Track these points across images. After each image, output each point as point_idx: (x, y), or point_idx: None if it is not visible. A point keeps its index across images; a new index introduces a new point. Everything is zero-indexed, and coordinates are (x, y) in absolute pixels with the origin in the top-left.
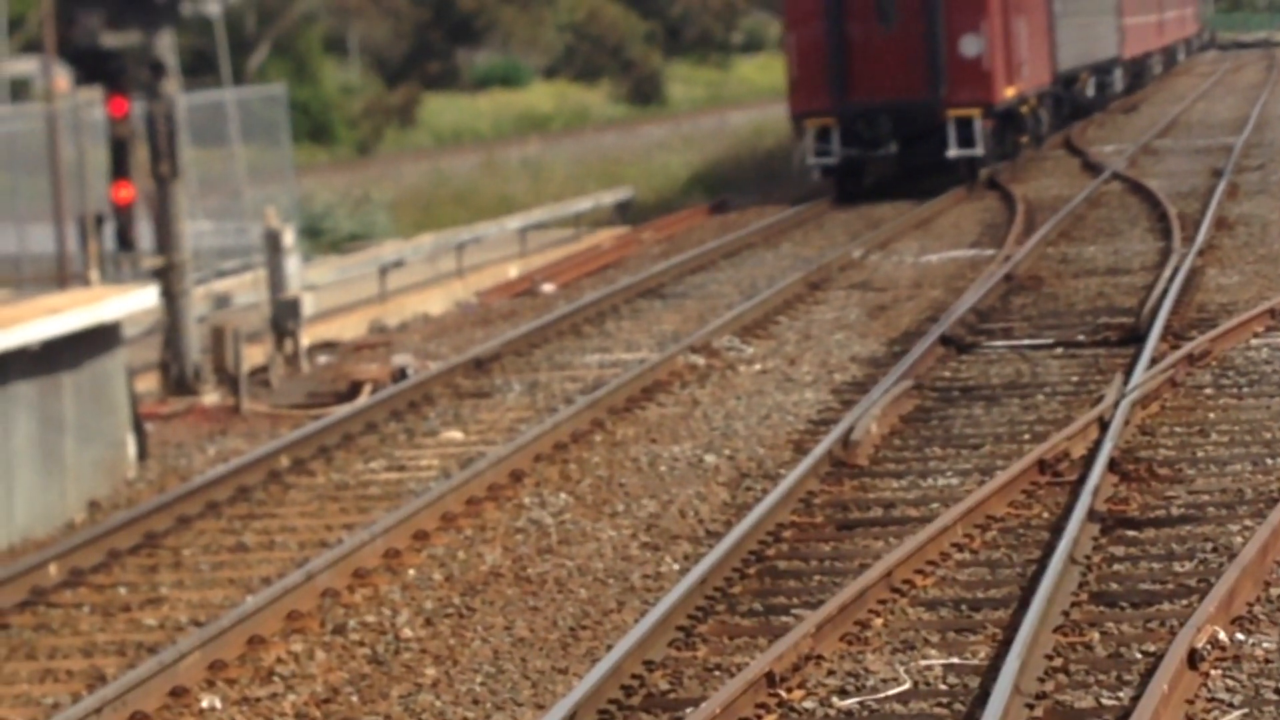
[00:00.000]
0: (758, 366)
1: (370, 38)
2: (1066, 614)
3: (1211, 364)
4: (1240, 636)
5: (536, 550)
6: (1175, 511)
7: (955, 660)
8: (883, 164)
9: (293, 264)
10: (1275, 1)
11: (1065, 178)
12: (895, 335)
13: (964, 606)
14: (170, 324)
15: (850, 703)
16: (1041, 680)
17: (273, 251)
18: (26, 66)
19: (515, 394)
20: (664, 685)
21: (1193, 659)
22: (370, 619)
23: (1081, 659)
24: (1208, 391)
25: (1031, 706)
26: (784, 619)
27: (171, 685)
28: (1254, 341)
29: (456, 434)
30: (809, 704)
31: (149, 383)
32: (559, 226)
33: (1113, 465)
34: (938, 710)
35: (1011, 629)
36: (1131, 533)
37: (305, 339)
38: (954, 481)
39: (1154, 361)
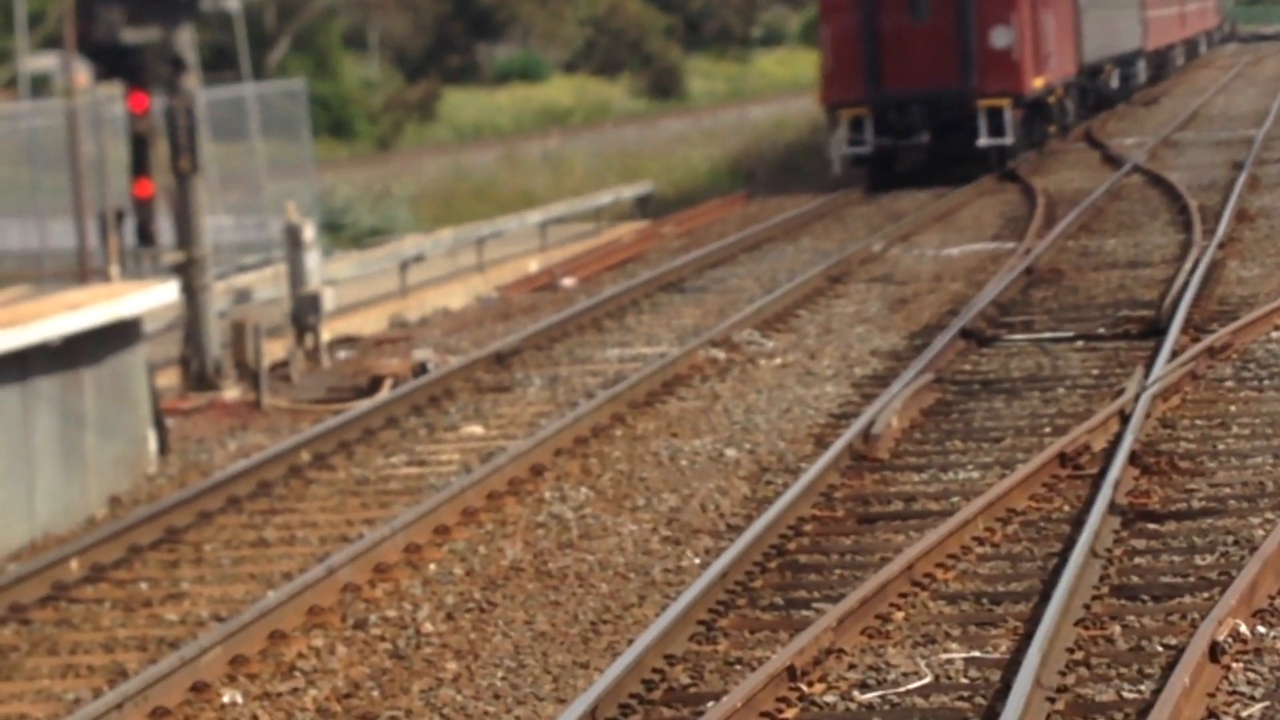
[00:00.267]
0: (778, 360)
1: (390, 32)
2: (1087, 607)
3: (1232, 357)
4: (1261, 629)
5: (557, 545)
6: (1196, 504)
7: (976, 654)
8: (912, 153)
9: (313, 259)
10: None
11: (1086, 170)
12: (916, 329)
13: (985, 600)
14: (191, 319)
15: (871, 696)
16: (1062, 673)
17: (293, 246)
18: (47, 62)
19: (536, 388)
20: (685, 679)
21: (1214, 652)
22: (391, 614)
23: (1102, 652)
24: (1229, 384)
25: (1053, 700)
26: (805, 613)
27: (193, 680)
28: (1275, 334)
29: (477, 428)
30: (830, 698)
31: (170, 378)
32: (579, 221)
33: (1133, 458)
34: (959, 704)
35: (1033, 622)
36: (1152, 526)
37: (326, 334)
38: (975, 475)
39: (1175, 354)
